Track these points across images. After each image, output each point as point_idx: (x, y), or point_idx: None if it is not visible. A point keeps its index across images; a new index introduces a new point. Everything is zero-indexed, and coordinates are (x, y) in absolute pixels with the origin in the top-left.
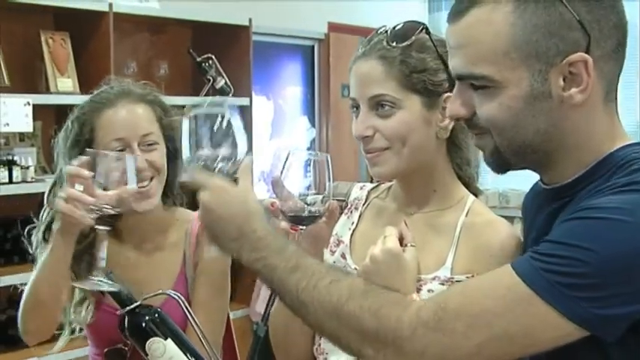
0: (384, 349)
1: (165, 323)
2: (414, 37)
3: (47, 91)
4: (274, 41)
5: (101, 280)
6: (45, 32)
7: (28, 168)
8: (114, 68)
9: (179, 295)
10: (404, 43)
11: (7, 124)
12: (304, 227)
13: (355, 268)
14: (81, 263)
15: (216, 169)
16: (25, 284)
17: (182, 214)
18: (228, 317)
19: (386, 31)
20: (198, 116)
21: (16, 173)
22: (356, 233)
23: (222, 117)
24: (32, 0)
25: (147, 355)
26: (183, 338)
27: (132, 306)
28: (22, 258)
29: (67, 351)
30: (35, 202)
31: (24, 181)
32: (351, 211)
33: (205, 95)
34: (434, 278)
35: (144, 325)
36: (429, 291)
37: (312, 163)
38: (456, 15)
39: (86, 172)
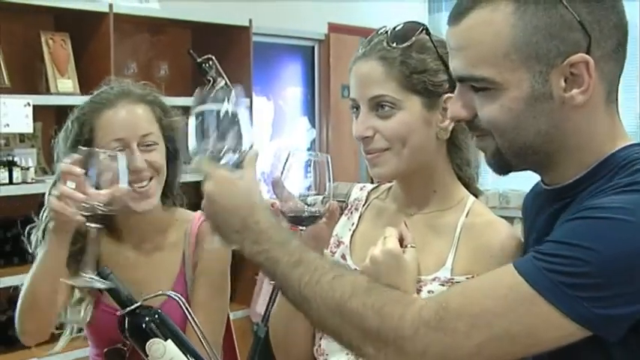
0: (385, 348)
1: (165, 324)
2: (414, 38)
3: (47, 91)
4: (274, 42)
5: (92, 278)
6: (45, 33)
7: (28, 169)
8: (114, 69)
9: (179, 295)
10: (404, 44)
11: (8, 125)
12: (304, 228)
13: (355, 269)
14: (78, 263)
15: (222, 161)
16: None
17: (182, 214)
18: (228, 318)
19: (386, 32)
20: (205, 110)
21: (16, 174)
22: (356, 234)
23: (228, 109)
24: (33, 1)
25: (147, 356)
26: (183, 339)
27: (132, 307)
28: (22, 259)
29: (67, 352)
30: (35, 202)
31: (24, 181)
32: (351, 212)
33: None
34: (434, 279)
35: (144, 326)
36: (429, 292)
37: (312, 164)
38: (456, 17)
39: (78, 170)
